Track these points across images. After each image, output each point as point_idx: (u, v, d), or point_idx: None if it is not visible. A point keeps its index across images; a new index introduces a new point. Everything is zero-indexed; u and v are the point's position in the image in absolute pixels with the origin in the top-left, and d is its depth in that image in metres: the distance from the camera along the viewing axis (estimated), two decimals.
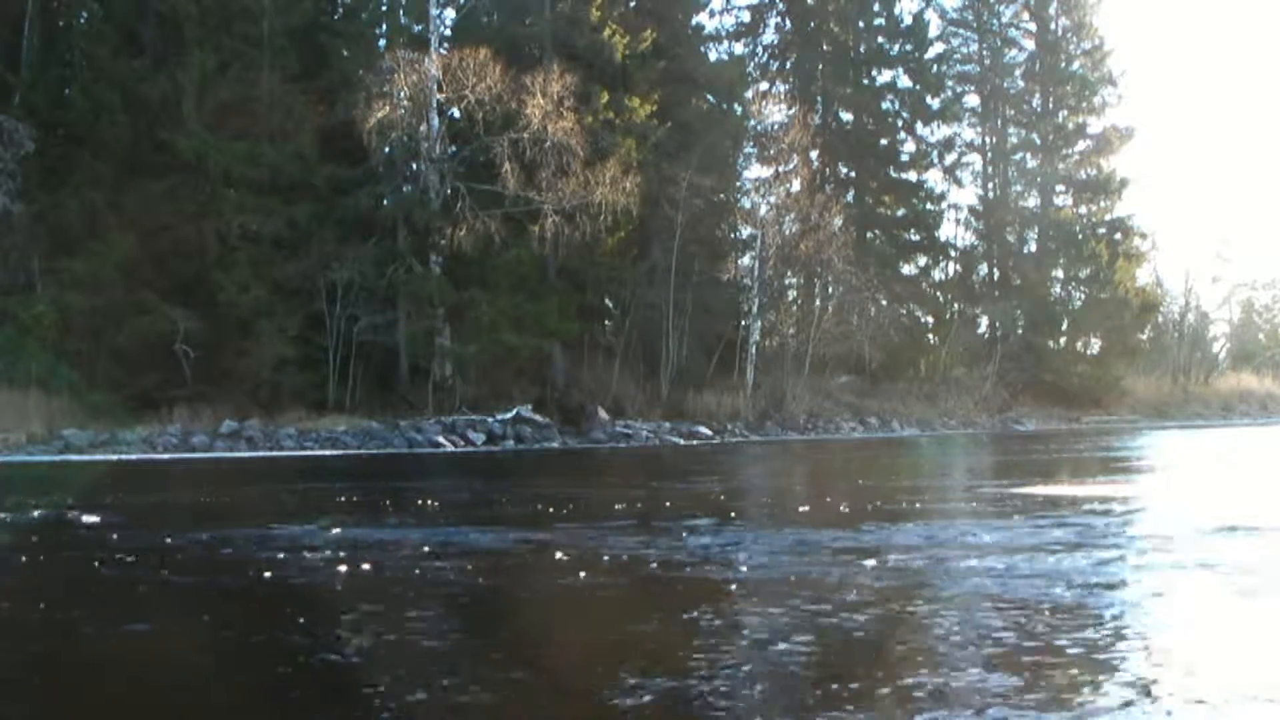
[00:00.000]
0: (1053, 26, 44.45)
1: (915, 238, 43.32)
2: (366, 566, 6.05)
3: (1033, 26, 44.88)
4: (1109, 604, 4.75)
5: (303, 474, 15.45)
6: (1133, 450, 20.39)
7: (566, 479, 15.05)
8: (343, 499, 10.87)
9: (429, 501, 10.70)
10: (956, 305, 43.12)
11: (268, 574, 5.91)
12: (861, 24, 42.89)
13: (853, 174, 42.74)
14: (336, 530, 7.66)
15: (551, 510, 9.50)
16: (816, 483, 13.68)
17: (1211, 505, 9.46)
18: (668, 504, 10.06)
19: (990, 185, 44.61)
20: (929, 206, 43.31)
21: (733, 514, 8.99)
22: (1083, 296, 43.48)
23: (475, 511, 9.92)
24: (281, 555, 6.54)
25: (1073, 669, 3.65)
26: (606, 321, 32.64)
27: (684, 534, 7.23)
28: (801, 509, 9.28)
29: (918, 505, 9.92)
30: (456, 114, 27.28)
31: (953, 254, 44.35)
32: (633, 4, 31.94)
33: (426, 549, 6.78)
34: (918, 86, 42.88)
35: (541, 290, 27.74)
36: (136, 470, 16.68)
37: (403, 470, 16.85)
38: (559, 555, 6.38)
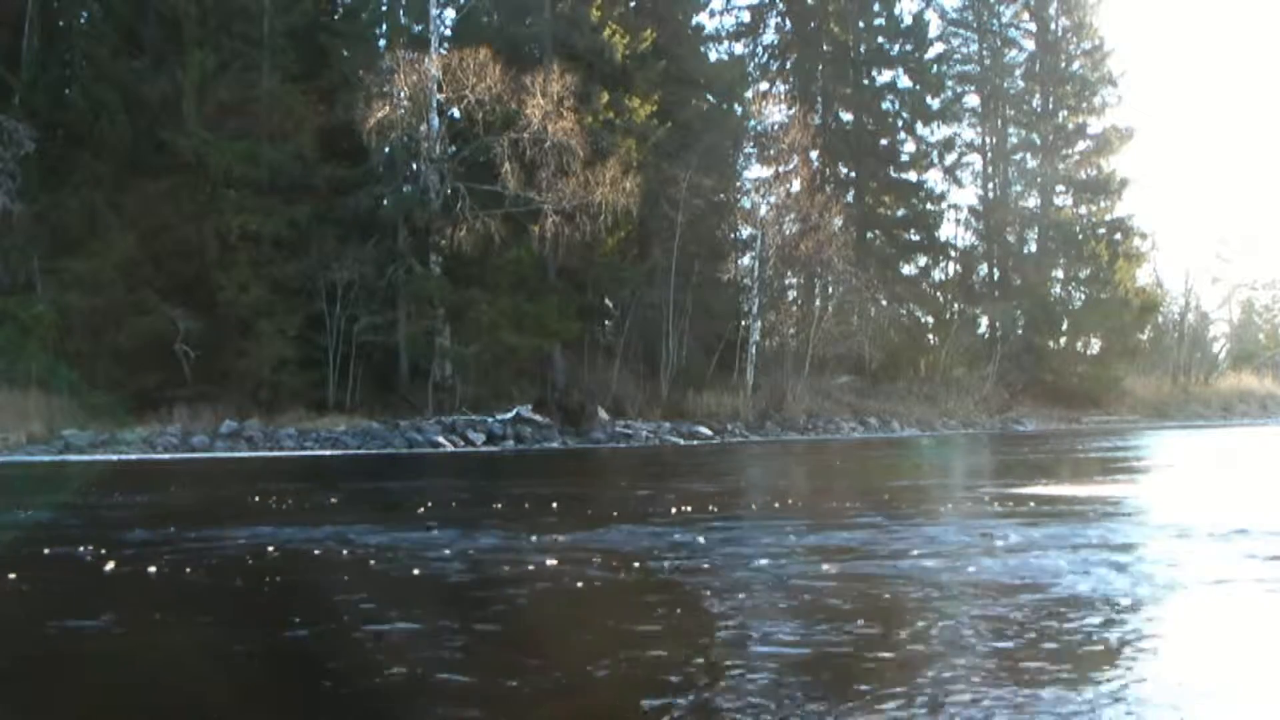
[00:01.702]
0: (1053, 26, 44.50)
1: (915, 238, 43.41)
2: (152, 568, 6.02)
3: (1033, 26, 44.94)
4: (1106, 604, 4.75)
5: (274, 475, 15.14)
6: (1133, 451, 20.39)
7: (536, 478, 14.90)
8: (272, 501, 10.56)
9: (333, 500, 10.87)
10: (956, 305, 43.16)
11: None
12: (861, 24, 42.96)
13: (853, 174, 42.81)
14: (194, 532, 7.63)
15: (453, 506, 9.65)
16: (814, 483, 13.68)
17: (1211, 506, 9.46)
18: (606, 505, 10.05)
19: (990, 185, 44.66)
20: (929, 206, 43.44)
21: (726, 512, 9.00)
22: (1083, 296, 43.54)
23: (369, 511, 9.82)
24: (81, 550, 6.57)
25: (1068, 669, 3.66)
26: (606, 321, 32.65)
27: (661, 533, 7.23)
28: (798, 509, 9.28)
29: (915, 506, 9.91)
30: (456, 114, 27.31)
31: (953, 254, 44.45)
32: (633, 4, 31.98)
33: (240, 544, 6.80)
34: (918, 86, 42.95)
35: (541, 290, 27.77)
36: (97, 472, 16.18)
37: (383, 471, 16.68)
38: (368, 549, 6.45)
